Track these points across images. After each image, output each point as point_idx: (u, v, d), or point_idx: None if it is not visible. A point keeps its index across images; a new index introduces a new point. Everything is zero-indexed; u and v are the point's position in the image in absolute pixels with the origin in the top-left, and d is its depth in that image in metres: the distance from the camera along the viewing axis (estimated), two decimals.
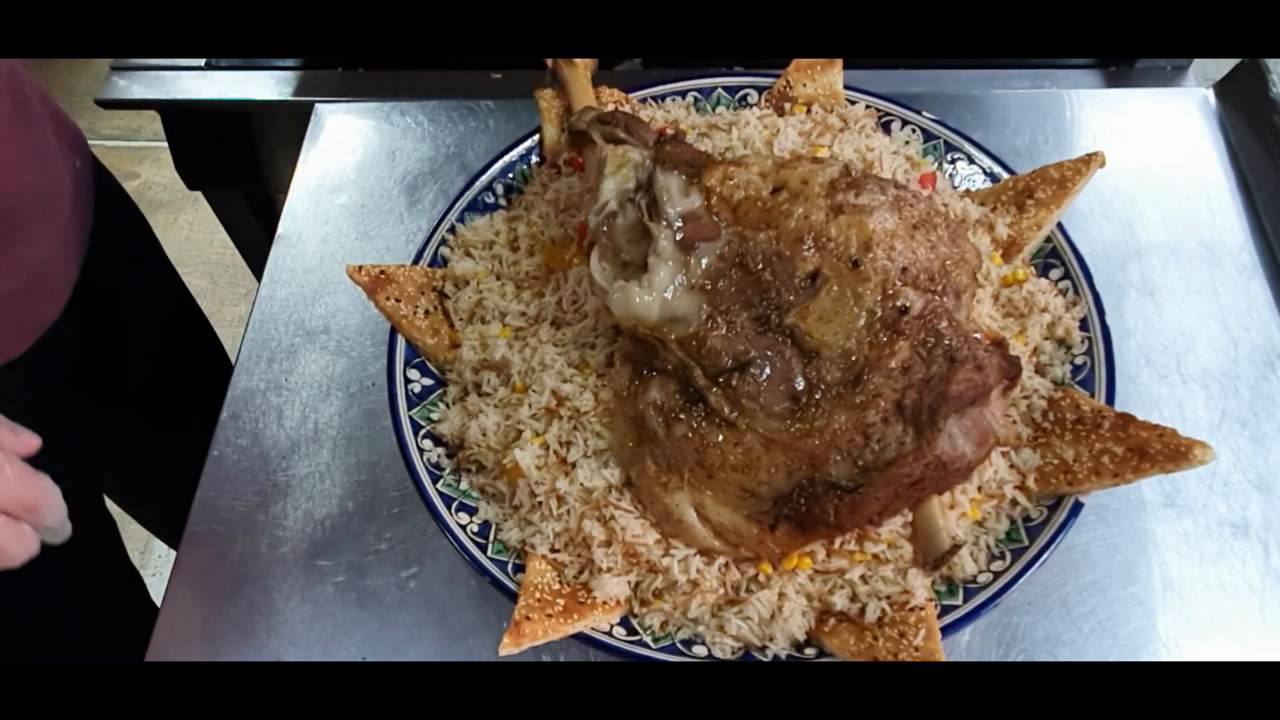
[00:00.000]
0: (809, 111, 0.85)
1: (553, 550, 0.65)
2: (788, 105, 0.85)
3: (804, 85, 0.85)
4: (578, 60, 0.86)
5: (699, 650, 0.63)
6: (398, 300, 0.74)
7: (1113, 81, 1.02)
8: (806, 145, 0.81)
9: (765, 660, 0.62)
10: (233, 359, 0.86)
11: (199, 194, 1.23)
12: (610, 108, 0.84)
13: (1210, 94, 0.98)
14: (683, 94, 0.88)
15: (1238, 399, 0.79)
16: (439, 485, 0.69)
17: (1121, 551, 0.72)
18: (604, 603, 0.63)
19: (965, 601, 0.62)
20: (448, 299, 0.77)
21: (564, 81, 0.86)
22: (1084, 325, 0.73)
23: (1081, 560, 0.72)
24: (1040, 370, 0.72)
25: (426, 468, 0.69)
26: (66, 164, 0.84)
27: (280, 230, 0.93)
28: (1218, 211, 0.90)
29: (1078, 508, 0.64)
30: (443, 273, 0.78)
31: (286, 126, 1.00)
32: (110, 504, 1.09)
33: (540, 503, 0.66)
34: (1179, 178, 0.92)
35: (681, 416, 0.63)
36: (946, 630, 0.61)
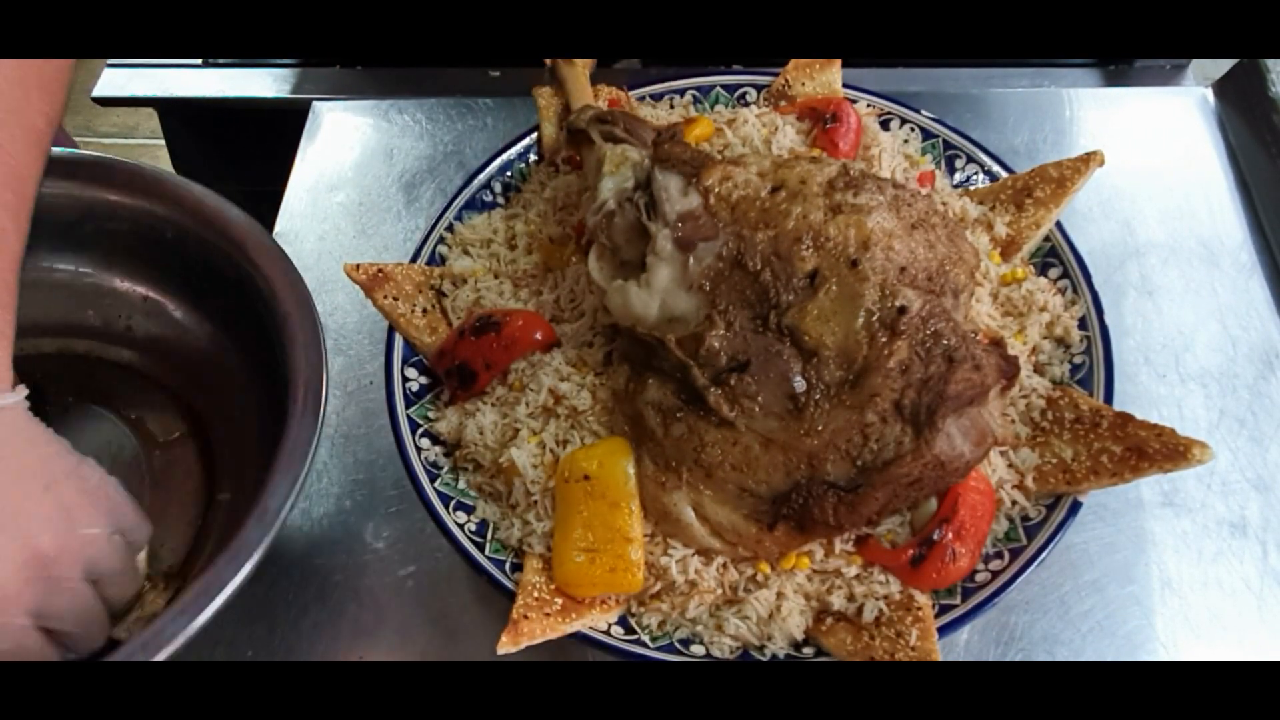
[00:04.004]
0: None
1: (550, 549, 0.65)
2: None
3: (803, 84, 0.84)
4: (576, 59, 0.86)
5: (697, 650, 0.63)
6: (395, 298, 0.74)
7: (1112, 80, 1.02)
8: (805, 144, 0.81)
9: (763, 660, 0.62)
10: None
11: None
12: (608, 105, 0.84)
13: (1209, 93, 0.98)
14: (681, 92, 0.88)
15: (1236, 398, 0.79)
16: (437, 484, 0.69)
17: (1120, 551, 0.72)
18: (602, 602, 0.63)
19: (963, 601, 0.62)
20: (445, 297, 0.77)
21: (562, 80, 0.85)
22: (1083, 324, 0.73)
23: (1080, 559, 0.72)
24: (1039, 369, 0.72)
25: (424, 466, 0.69)
26: None
27: (278, 228, 0.92)
28: (1216, 211, 0.90)
29: (1076, 507, 0.64)
30: (440, 271, 0.78)
31: (284, 124, 1.00)
32: None
33: (536, 501, 0.66)
34: (1178, 177, 0.92)
35: (680, 416, 0.63)
36: (945, 629, 0.61)
